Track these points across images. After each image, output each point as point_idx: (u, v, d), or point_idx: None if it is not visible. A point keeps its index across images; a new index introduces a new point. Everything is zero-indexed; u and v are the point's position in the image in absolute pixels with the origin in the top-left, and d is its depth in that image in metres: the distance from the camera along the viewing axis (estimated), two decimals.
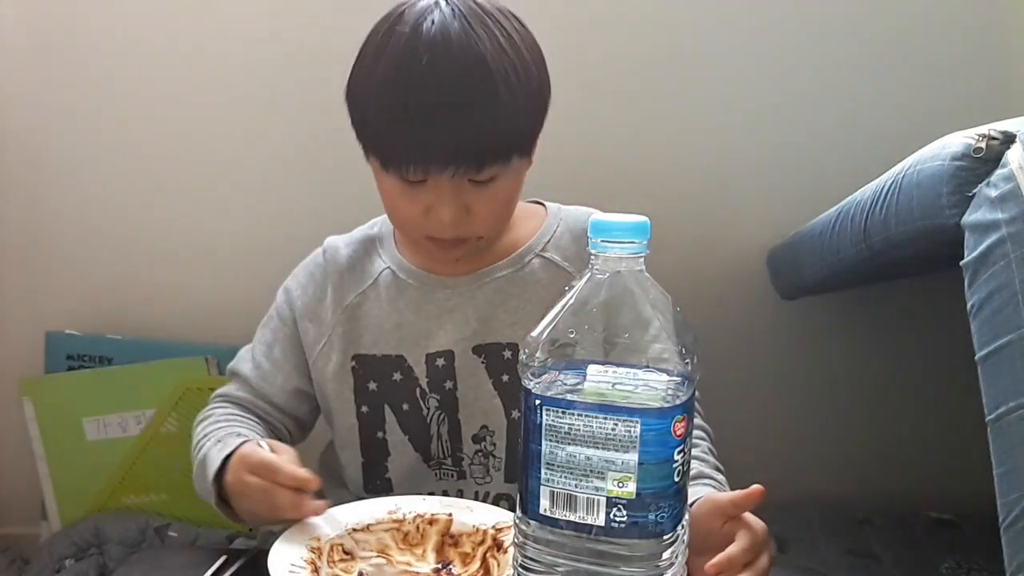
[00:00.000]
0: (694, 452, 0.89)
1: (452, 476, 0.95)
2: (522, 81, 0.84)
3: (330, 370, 0.96)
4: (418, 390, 0.95)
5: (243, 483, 0.82)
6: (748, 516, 0.72)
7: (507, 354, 0.93)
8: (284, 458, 0.82)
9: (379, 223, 1.02)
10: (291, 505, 0.79)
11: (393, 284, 0.97)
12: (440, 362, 0.94)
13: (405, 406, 0.95)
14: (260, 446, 0.84)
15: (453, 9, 0.84)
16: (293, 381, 0.99)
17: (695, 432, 0.92)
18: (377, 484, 0.96)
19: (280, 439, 0.98)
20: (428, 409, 0.95)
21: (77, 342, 1.37)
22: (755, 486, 0.72)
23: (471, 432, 0.95)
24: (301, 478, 0.79)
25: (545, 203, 1.02)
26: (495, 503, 0.93)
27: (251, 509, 0.84)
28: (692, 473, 0.84)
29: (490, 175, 0.86)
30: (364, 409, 0.96)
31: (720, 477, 0.87)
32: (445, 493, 0.94)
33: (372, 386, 0.96)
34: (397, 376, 0.95)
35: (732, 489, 0.86)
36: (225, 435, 0.90)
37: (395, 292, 0.96)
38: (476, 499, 0.93)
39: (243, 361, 1.02)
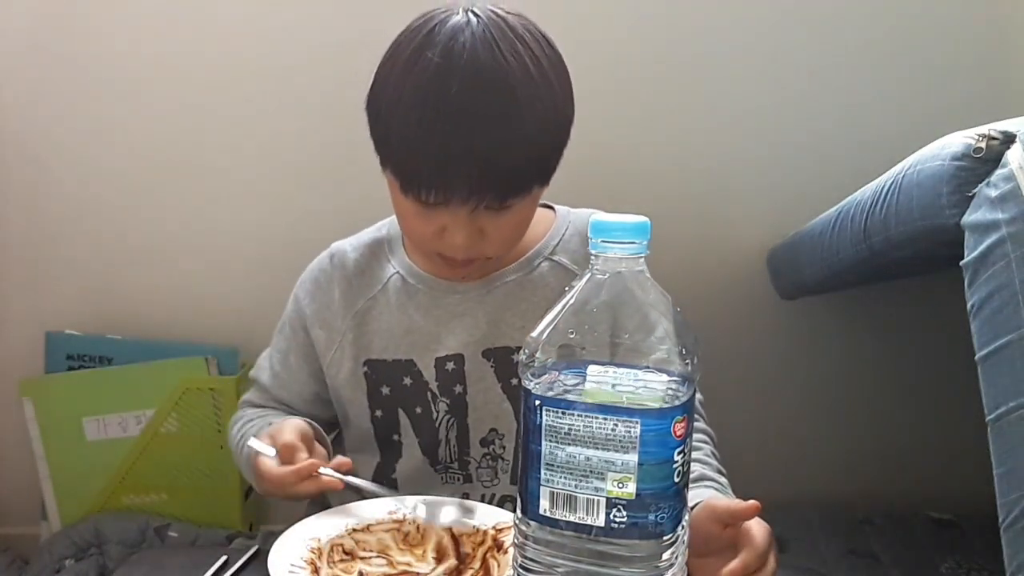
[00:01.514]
0: (696, 455, 0.88)
1: (458, 480, 0.95)
2: (550, 115, 0.83)
3: (343, 376, 0.96)
4: (428, 394, 0.94)
5: (271, 495, 0.89)
6: (753, 520, 0.72)
7: (517, 358, 0.93)
8: (283, 450, 0.86)
9: (387, 225, 1.01)
10: (314, 492, 0.86)
11: (403, 289, 0.96)
12: (450, 366, 0.94)
13: (418, 409, 0.95)
14: (258, 452, 0.88)
15: (485, 31, 0.81)
16: (311, 387, 1.00)
17: (698, 435, 0.92)
18: (383, 484, 0.96)
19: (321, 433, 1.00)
20: (437, 413, 0.95)
21: (77, 342, 1.37)
22: (752, 501, 0.71)
23: (479, 436, 0.94)
24: (303, 471, 0.84)
25: (554, 206, 1.02)
26: (500, 505, 0.93)
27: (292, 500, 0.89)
28: (694, 475, 0.84)
29: (509, 203, 0.85)
30: (378, 413, 0.96)
31: (723, 480, 0.87)
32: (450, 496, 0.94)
33: (385, 390, 0.95)
34: (407, 380, 0.95)
35: (734, 491, 0.86)
36: (260, 427, 0.95)
37: (405, 297, 0.96)
38: (482, 501, 0.93)
39: (262, 370, 1.03)
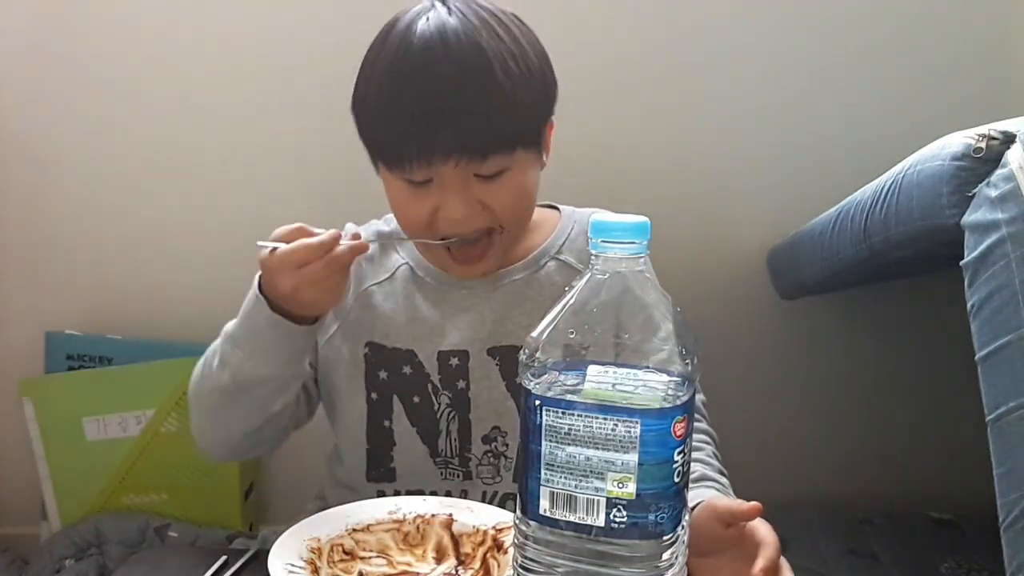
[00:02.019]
0: (698, 455, 0.89)
1: (458, 476, 0.95)
2: (521, 69, 0.84)
3: (344, 353, 0.96)
4: (429, 385, 0.95)
5: (300, 281, 0.81)
6: (757, 519, 0.72)
7: None
8: (295, 231, 0.82)
9: (393, 219, 1.00)
10: (348, 256, 0.81)
11: (411, 279, 0.97)
12: (454, 361, 0.94)
13: (416, 399, 0.95)
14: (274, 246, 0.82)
15: (450, 8, 0.85)
16: None
17: (700, 436, 0.92)
18: (380, 471, 0.96)
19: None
20: (439, 405, 0.95)
21: (77, 342, 1.38)
22: (754, 503, 0.71)
23: (481, 433, 0.94)
24: (333, 236, 0.80)
25: (559, 206, 1.02)
26: (503, 502, 0.93)
27: (309, 293, 0.82)
28: (695, 476, 0.84)
29: (496, 167, 0.85)
30: (373, 396, 0.96)
31: (724, 480, 0.87)
32: (449, 493, 0.94)
33: (383, 375, 0.95)
34: (407, 370, 0.95)
35: (734, 491, 0.86)
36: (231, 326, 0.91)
37: (412, 287, 0.97)
38: (483, 499, 0.93)
39: None
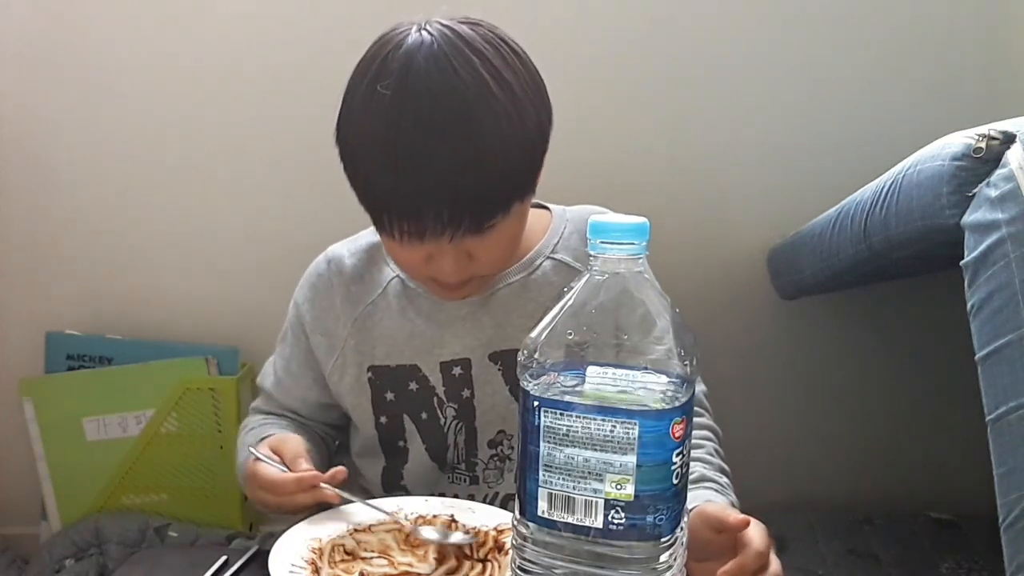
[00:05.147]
0: (698, 453, 0.88)
1: (465, 481, 0.95)
2: (516, 130, 0.79)
3: (346, 383, 0.96)
4: (435, 399, 0.94)
5: (263, 502, 0.88)
6: (754, 528, 0.72)
7: None
8: (288, 459, 0.87)
9: None
10: (310, 503, 0.84)
11: (403, 293, 0.95)
12: (457, 371, 0.93)
13: (424, 415, 0.94)
14: (260, 458, 0.88)
15: (439, 50, 0.78)
16: (313, 394, 0.99)
17: (702, 432, 0.92)
18: (392, 487, 0.97)
19: (323, 441, 1.01)
20: (445, 418, 0.94)
21: (77, 342, 1.38)
22: (743, 516, 0.72)
23: (487, 438, 0.94)
24: (306, 480, 0.83)
25: (549, 205, 1.01)
26: (504, 502, 0.93)
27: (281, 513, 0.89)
28: (695, 476, 0.84)
29: (490, 225, 0.82)
30: (383, 420, 0.95)
31: (724, 480, 0.87)
32: (455, 496, 0.93)
33: (390, 396, 0.95)
34: (413, 386, 0.94)
35: (736, 493, 0.86)
36: (259, 436, 0.95)
37: (405, 301, 0.95)
38: (486, 501, 0.93)
39: (266, 376, 1.02)
